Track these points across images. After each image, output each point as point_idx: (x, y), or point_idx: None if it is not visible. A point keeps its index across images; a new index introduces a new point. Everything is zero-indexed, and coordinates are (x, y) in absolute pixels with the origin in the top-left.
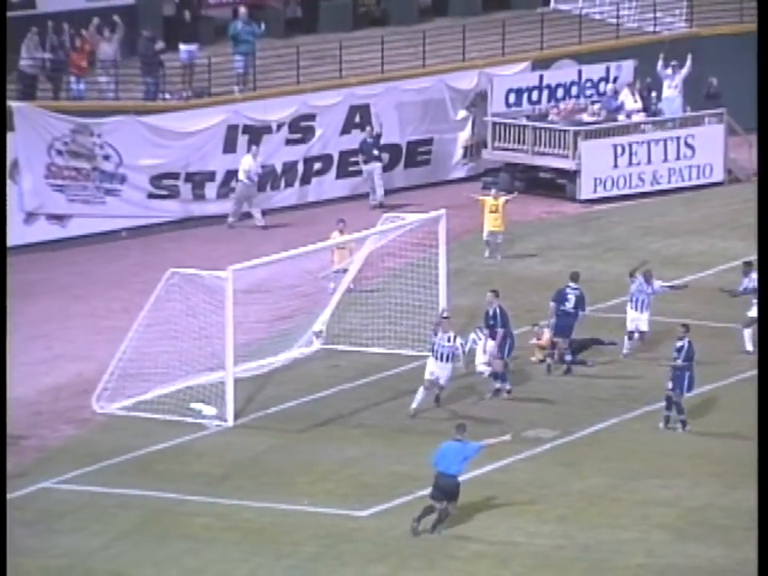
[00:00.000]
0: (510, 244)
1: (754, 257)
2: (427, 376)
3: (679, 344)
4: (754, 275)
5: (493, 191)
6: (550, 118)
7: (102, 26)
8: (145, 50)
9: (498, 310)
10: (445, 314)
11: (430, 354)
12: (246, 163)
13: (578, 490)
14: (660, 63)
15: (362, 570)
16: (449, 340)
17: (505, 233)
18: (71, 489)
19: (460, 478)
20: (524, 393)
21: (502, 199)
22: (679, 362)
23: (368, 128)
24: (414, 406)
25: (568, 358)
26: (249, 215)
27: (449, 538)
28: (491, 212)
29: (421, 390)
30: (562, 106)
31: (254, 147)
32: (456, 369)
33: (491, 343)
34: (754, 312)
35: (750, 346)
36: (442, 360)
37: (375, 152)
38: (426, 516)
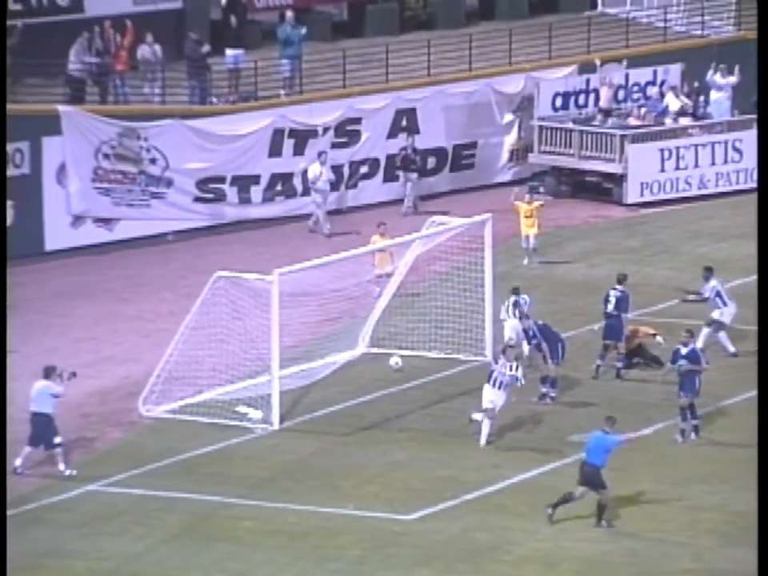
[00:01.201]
0: (557, 248)
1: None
2: (486, 405)
3: (685, 350)
4: (713, 282)
5: (527, 197)
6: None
7: (143, 30)
8: (191, 52)
9: (534, 329)
10: (511, 343)
11: (487, 381)
12: (315, 170)
13: (625, 494)
14: (710, 72)
15: (407, 573)
16: (510, 369)
17: (540, 237)
18: (118, 491)
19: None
20: (571, 397)
21: (536, 204)
22: (705, 364)
23: (409, 138)
24: (482, 441)
25: (619, 364)
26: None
27: (496, 542)
28: (526, 217)
29: (486, 422)
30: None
31: (323, 154)
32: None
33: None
34: (716, 314)
35: (700, 344)
36: (499, 388)
37: (413, 166)
38: (563, 504)
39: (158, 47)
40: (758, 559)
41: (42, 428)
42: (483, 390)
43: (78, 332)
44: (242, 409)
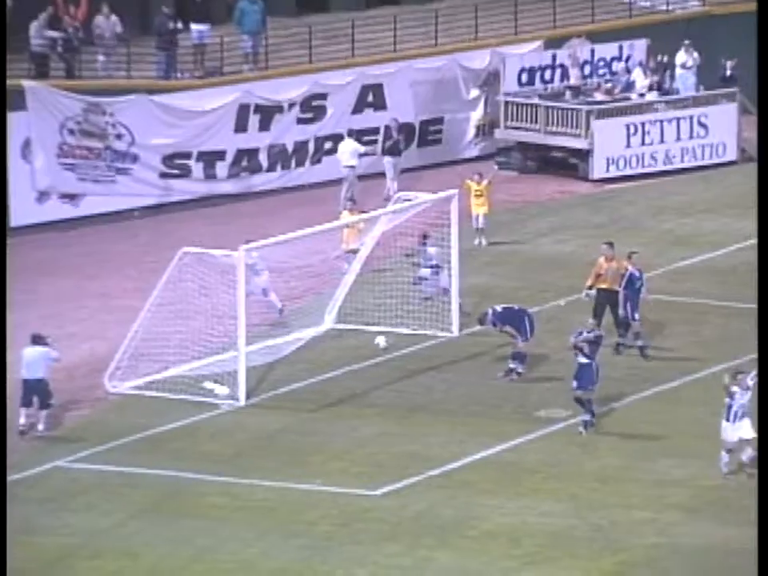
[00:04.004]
0: (523, 223)
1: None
2: (747, 435)
3: (592, 335)
4: (431, 249)
5: (475, 176)
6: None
7: (100, 2)
8: (161, 26)
9: (494, 317)
10: (742, 369)
11: (726, 419)
12: (352, 146)
13: (591, 469)
14: (680, 53)
15: (375, 548)
16: (741, 396)
17: (491, 216)
18: (84, 468)
19: None
20: (538, 372)
21: (485, 182)
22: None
23: (392, 121)
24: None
25: (639, 342)
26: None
27: (461, 517)
28: (476, 196)
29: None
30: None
31: (352, 131)
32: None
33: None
34: (423, 273)
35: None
36: (740, 419)
37: (397, 148)
38: None
39: (114, 18)
40: (758, 557)
41: (40, 392)
42: (722, 430)
43: (43, 308)
44: (209, 385)
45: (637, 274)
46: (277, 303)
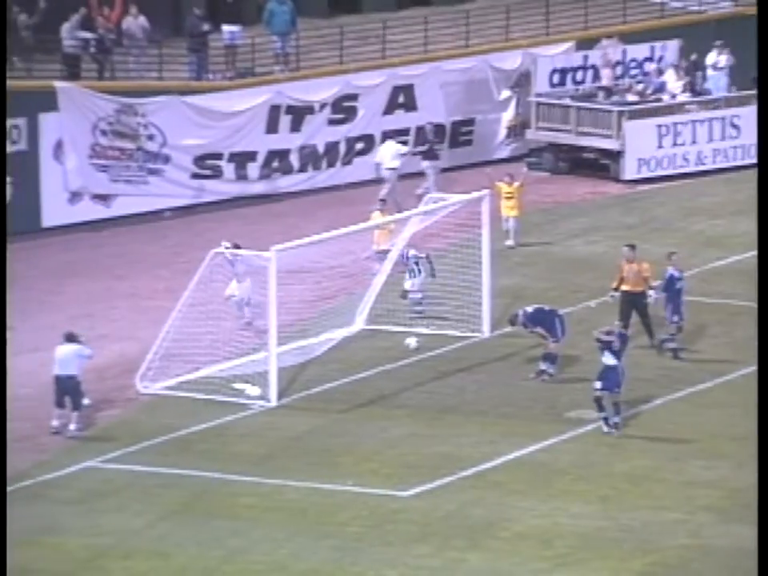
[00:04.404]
0: (554, 224)
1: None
2: None
3: (617, 332)
4: (411, 252)
5: (506, 178)
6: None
7: (132, 3)
8: (193, 28)
9: (525, 318)
10: None
11: None
12: (393, 148)
13: (622, 470)
14: (711, 54)
15: (405, 550)
16: None
17: (522, 218)
18: (115, 468)
19: None
20: (569, 374)
21: (516, 184)
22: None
23: (428, 125)
24: None
25: (671, 344)
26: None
27: (492, 518)
28: (507, 198)
29: None
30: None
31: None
32: None
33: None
34: (407, 285)
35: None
36: None
37: (435, 151)
38: None
39: (143, 18)
40: (758, 554)
41: (72, 390)
42: None
43: (74, 309)
44: (240, 385)
45: (677, 274)
46: (246, 313)
